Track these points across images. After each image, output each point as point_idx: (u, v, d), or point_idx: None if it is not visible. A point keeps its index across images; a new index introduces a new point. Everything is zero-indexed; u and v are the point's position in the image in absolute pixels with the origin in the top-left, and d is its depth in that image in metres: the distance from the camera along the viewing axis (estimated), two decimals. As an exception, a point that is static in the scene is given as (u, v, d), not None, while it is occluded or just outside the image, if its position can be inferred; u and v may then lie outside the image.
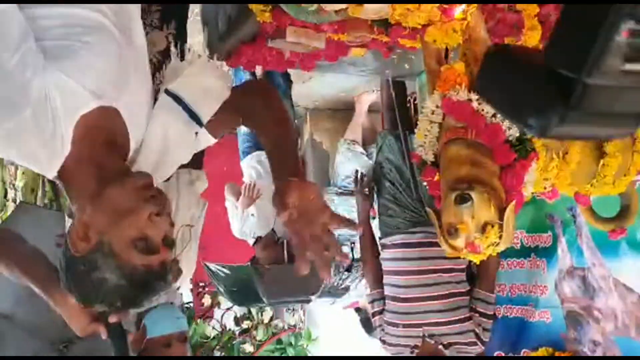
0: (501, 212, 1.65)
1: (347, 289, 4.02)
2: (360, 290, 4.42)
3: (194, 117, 1.35)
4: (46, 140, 1.17)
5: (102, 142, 1.23)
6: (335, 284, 3.85)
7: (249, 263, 3.59)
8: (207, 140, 1.44)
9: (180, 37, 1.69)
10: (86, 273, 1.18)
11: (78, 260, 1.18)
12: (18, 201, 3.55)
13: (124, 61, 1.26)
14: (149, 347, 2.27)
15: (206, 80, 1.36)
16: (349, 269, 3.84)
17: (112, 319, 1.44)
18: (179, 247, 2.28)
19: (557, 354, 2.74)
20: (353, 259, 3.85)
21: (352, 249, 3.97)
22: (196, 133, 1.38)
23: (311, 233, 1.23)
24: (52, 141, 1.18)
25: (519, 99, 1.11)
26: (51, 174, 1.24)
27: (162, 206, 1.22)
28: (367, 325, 4.20)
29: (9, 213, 3.51)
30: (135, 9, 1.37)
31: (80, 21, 1.21)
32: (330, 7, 1.74)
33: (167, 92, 1.33)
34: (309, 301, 3.96)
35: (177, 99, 1.33)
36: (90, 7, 1.22)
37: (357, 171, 3.14)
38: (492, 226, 1.64)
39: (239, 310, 5.00)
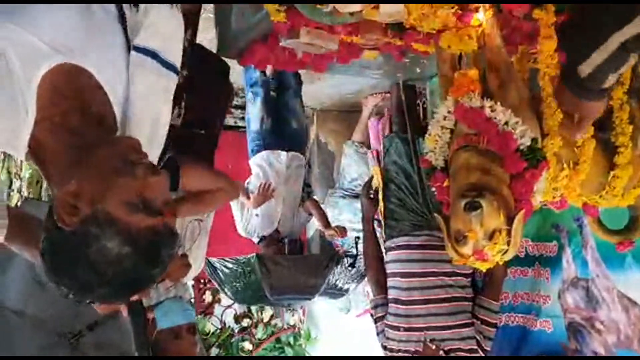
0: (510, 220, 1.65)
1: (346, 290, 4.02)
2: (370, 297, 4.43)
3: (170, 66, 1.24)
4: (7, 104, 1.04)
5: (73, 105, 1.11)
6: (337, 281, 3.85)
7: (254, 254, 3.59)
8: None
9: (193, 45, 1.68)
10: (81, 249, 1.03)
11: (68, 239, 1.03)
12: (23, 191, 3.56)
13: (89, 14, 1.16)
14: (159, 338, 2.28)
15: (167, 25, 1.24)
16: (352, 265, 3.84)
17: (133, 297, 1.39)
18: (188, 242, 2.30)
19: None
20: (357, 255, 3.85)
21: (356, 244, 3.98)
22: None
23: None
24: (15, 106, 1.05)
25: None
26: (22, 149, 1.09)
27: (154, 166, 1.11)
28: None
29: (14, 203, 3.51)
30: None
31: None
32: (345, 9, 1.73)
33: (136, 48, 1.20)
34: (310, 299, 3.96)
35: (148, 52, 1.20)
36: None
37: (371, 177, 3.14)
38: (500, 233, 1.63)
39: (239, 308, 5.01)
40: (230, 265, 3.69)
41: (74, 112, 1.11)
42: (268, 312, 5.11)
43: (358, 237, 3.95)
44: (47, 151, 1.09)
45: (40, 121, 1.07)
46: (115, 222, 1.03)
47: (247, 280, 3.71)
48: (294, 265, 3.77)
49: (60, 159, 1.08)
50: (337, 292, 4.02)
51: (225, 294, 4.16)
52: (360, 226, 4.05)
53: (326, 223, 4.10)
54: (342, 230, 4.00)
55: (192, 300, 4.46)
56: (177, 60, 1.25)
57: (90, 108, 1.13)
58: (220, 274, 3.74)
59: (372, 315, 4.36)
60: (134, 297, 1.33)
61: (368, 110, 4.66)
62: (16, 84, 1.04)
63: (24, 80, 1.05)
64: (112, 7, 1.21)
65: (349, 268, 3.83)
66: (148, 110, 1.24)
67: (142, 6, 1.18)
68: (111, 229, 1.02)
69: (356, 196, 4.26)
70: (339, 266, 3.76)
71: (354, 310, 4.49)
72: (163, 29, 1.22)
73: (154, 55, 1.20)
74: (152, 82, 1.22)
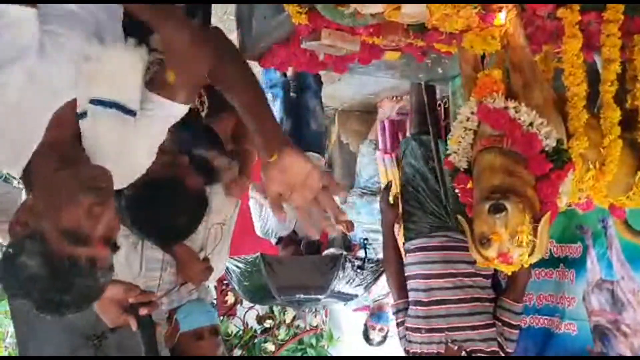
0: (535, 222, 1.63)
1: (355, 295, 4.01)
2: (373, 294, 4.42)
3: (126, 110, 1.27)
4: (19, 129, 1.15)
5: (69, 135, 1.22)
6: (346, 284, 3.84)
7: (259, 254, 3.60)
8: (175, 110, 1.32)
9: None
10: (12, 258, 1.13)
11: (10, 245, 1.15)
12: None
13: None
14: (182, 341, 2.29)
15: (120, 68, 1.26)
16: (361, 267, 3.82)
17: (142, 312, 1.46)
18: (210, 245, 2.31)
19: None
20: (365, 259, 3.83)
21: (364, 246, 3.96)
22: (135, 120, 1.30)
23: (306, 200, 1.22)
24: (25, 132, 1.16)
25: None
26: (19, 169, 1.21)
27: (106, 197, 1.16)
28: (366, 336, 4.22)
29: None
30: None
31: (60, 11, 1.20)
32: (366, 10, 1.73)
33: (92, 101, 1.25)
34: (318, 300, 3.96)
35: (103, 103, 1.25)
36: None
37: (389, 183, 3.13)
38: (526, 236, 1.61)
39: (262, 309, 5.02)
40: (240, 265, 3.70)
41: (66, 138, 1.20)
42: (290, 313, 5.11)
43: (366, 239, 3.94)
44: (34, 170, 1.19)
45: (38, 146, 1.18)
46: (44, 244, 1.11)
47: (254, 280, 3.72)
48: (298, 265, 3.78)
49: (39, 175, 1.17)
50: (346, 296, 4.01)
51: (239, 292, 4.18)
52: (377, 227, 4.06)
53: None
54: (349, 225, 4.03)
55: (214, 301, 4.49)
56: (133, 102, 1.27)
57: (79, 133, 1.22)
58: (232, 273, 3.75)
59: (370, 313, 4.38)
60: (144, 312, 1.38)
61: (384, 113, 4.65)
62: (31, 111, 1.15)
63: (40, 111, 1.16)
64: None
65: (358, 270, 3.81)
66: (110, 152, 1.27)
67: (93, 53, 1.22)
68: (38, 248, 1.11)
69: (373, 194, 4.25)
70: (345, 269, 3.74)
71: (352, 304, 4.48)
72: (116, 76, 1.25)
73: (110, 104, 1.24)
74: (111, 128, 1.25)
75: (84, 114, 1.23)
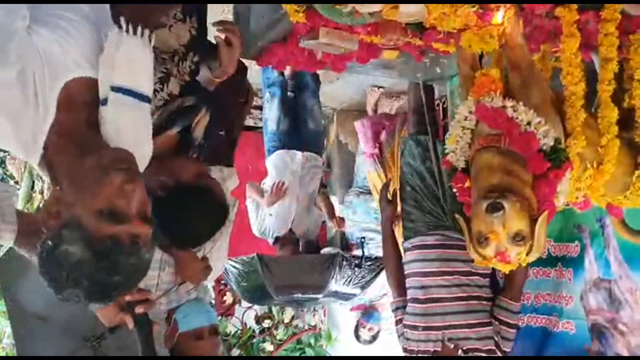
0: (533, 222, 1.63)
1: (353, 295, 4.01)
2: (370, 295, 4.42)
3: (144, 97, 1.32)
4: (30, 108, 1.16)
5: (81, 115, 1.23)
6: (344, 283, 3.84)
7: (255, 254, 3.60)
8: None
9: (201, 30, 1.71)
10: (52, 250, 1.13)
11: (47, 239, 1.14)
12: (45, 193, 3.60)
13: (99, 32, 1.29)
14: (181, 341, 2.28)
15: (136, 56, 1.31)
16: (359, 265, 3.82)
17: (139, 310, 1.47)
18: (208, 245, 2.31)
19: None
20: (363, 257, 3.84)
21: (362, 244, 3.97)
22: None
23: None
24: (36, 111, 1.17)
25: None
26: (38, 152, 1.21)
27: (134, 175, 1.18)
28: (356, 333, 4.23)
29: (36, 204, 3.56)
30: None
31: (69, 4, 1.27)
32: (364, 9, 1.73)
33: (113, 89, 1.29)
34: (316, 299, 3.96)
35: (123, 90, 1.29)
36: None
37: (388, 181, 3.14)
38: (524, 237, 1.61)
39: (260, 309, 5.02)
40: (237, 266, 3.70)
41: (82, 123, 1.22)
42: (289, 312, 5.11)
43: (363, 238, 3.95)
44: (54, 156, 1.20)
45: (54, 127, 1.19)
46: (82, 228, 1.12)
47: (251, 280, 3.72)
48: (294, 265, 3.78)
49: (61, 165, 1.19)
50: (344, 296, 4.02)
51: (237, 293, 4.19)
52: (373, 225, 4.06)
53: (331, 213, 4.18)
54: (340, 222, 4.08)
55: (213, 301, 4.49)
56: (149, 90, 1.33)
57: (95, 119, 1.25)
58: (230, 274, 3.76)
59: (362, 311, 4.38)
60: (140, 310, 1.40)
61: (370, 108, 4.66)
62: (40, 90, 1.16)
63: (48, 88, 1.17)
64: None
65: (355, 269, 3.81)
66: (130, 139, 1.30)
67: (113, 40, 1.27)
68: (77, 234, 1.12)
69: (370, 193, 4.26)
70: (342, 268, 3.74)
71: (349, 303, 4.49)
72: (134, 63, 1.30)
73: (129, 92, 1.28)
74: (133, 117, 1.31)
75: (104, 101, 1.26)
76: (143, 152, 1.34)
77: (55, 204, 1.15)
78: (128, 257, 1.15)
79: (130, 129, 1.29)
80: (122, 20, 1.29)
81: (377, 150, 3.89)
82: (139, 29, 1.30)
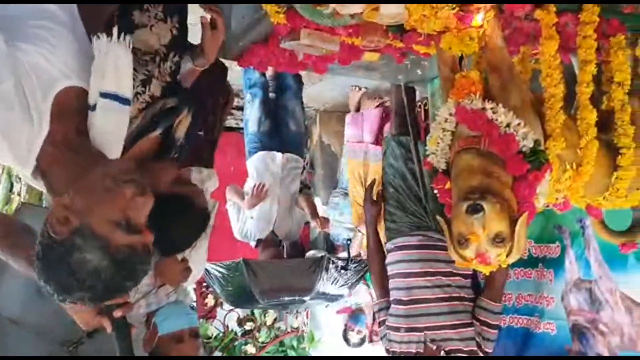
0: (513, 223, 1.63)
1: (340, 295, 4.01)
2: (357, 297, 4.42)
3: (126, 100, 1.37)
4: (23, 121, 1.19)
5: (73, 124, 1.27)
6: (331, 284, 3.84)
7: (241, 259, 3.58)
8: None
9: (182, 30, 1.69)
10: (65, 256, 1.17)
11: (57, 245, 1.17)
12: (24, 195, 3.56)
13: (83, 49, 1.33)
14: (161, 344, 2.26)
15: (120, 62, 1.35)
16: (345, 267, 3.82)
17: (117, 313, 1.45)
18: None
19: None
20: (349, 259, 3.84)
21: (348, 246, 3.97)
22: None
23: None
24: (29, 123, 1.20)
25: None
26: (31, 163, 1.25)
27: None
28: (345, 337, 4.23)
29: (14, 206, 3.51)
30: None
31: (42, 13, 1.30)
32: (345, 11, 1.72)
33: (101, 95, 1.33)
34: (303, 302, 3.95)
35: (111, 95, 1.33)
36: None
37: (372, 181, 3.14)
38: (504, 238, 1.61)
39: (242, 312, 4.99)
40: (222, 270, 3.68)
41: (73, 131, 1.26)
42: (271, 315, 5.09)
43: (349, 240, 3.94)
44: (50, 165, 1.24)
45: (50, 136, 1.23)
46: (98, 237, 1.17)
47: (237, 285, 3.70)
48: (281, 269, 3.77)
49: (59, 173, 1.23)
50: (331, 297, 4.01)
51: (221, 297, 4.16)
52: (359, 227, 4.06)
53: (314, 213, 4.17)
54: (324, 221, 4.08)
55: (194, 304, 4.46)
56: (131, 92, 1.39)
57: (84, 126, 1.29)
58: (214, 278, 3.73)
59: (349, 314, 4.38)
60: (118, 314, 1.40)
61: (352, 107, 4.67)
62: (32, 103, 1.21)
63: (41, 101, 1.22)
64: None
65: (342, 271, 3.81)
66: (112, 142, 1.37)
67: (101, 48, 1.32)
68: (94, 242, 1.17)
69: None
70: (329, 270, 3.74)
71: (335, 305, 4.49)
72: (118, 68, 1.34)
73: (115, 97, 1.33)
74: (121, 120, 1.37)
75: (93, 107, 1.31)
76: (117, 154, 1.37)
77: (62, 210, 1.18)
78: (141, 264, 1.24)
79: (114, 133, 1.34)
80: (113, 29, 1.33)
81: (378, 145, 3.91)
82: (122, 34, 1.33)
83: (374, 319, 4.16)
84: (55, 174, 1.25)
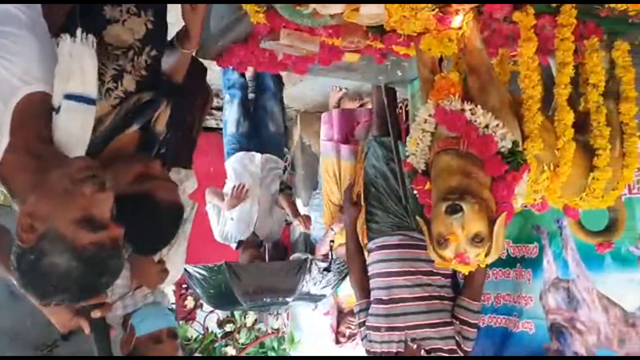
0: (491, 223, 1.64)
1: (323, 295, 4.01)
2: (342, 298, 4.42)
3: (90, 100, 1.35)
4: None
5: (34, 130, 1.26)
6: (314, 286, 3.84)
7: (223, 262, 3.56)
8: None
9: (159, 24, 1.67)
10: (35, 263, 1.18)
11: (27, 253, 1.18)
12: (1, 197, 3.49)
13: (46, 50, 1.32)
14: (139, 345, 2.22)
15: (85, 62, 1.34)
16: (327, 269, 3.83)
17: (95, 314, 1.43)
18: (165, 248, 2.26)
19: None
20: (331, 260, 3.84)
21: (330, 247, 3.97)
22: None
23: None
24: None
25: None
26: None
27: (103, 183, 1.22)
28: (336, 338, 4.21)
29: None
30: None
31: (4, 18, 1.28)
32: (325, 11, 1.72)
33: (65, 96, 1.31)
34: (286, 303, 3.94)
35: (75, 97, 1.32)
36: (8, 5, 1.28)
37: (352, 183, 3.15)
38: (483, 238, 1.62)
39: (222, 313, 4.96)
40: (203, 272, 3.65)
41: (35, 137, 1.26)
42: (251, 316, 5.07)
43: (332, 241, 3.94)
44: (14, 172, 1.24)
45: (8, 146, 1.22)
46: (63, 239, 1.17)
47: (219, 287, 3.67)
48: (263, 272, 3.75)
49: (21, 179, 1.23)
50: (314, 297, 4.01)
51: (202, 299, 4.13)
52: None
53: (295, 212, 4.16)
54: (306, 220, 4.09)
55: (174, 306, 4.42)
56: (95, 91, 1.37)
57: (48, 131, 1.29)
58: (195, 280, 3.70)
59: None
60: (97, 314, 1.38)
61: (332, 107, 4.67)
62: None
63: (1, 111, 1.22)
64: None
65: (324, 272, 3.81)
66: (74, 142, 1.35)
67: (66, 50, 1.30)
68: (60, 245, 1.17)
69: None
70: (312, 272, 3.73)
71: (321, 307, 4.49)
72: (80, 68, 1.33)
73: (80, 97, 1.32)
74: (86, 121, 1.35)
75: (57, 109, 1.29)
76: (81, 153, 1.36)
77: (27, 218, 1.18)
78: (112, 259, 1.24)
79: (79, 134, 1.33)
80: (77, 30, 1.31)
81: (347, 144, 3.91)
82: (84, 34, 1.32)
83: (338, 322, 4.18)
84: (17, 180, 1.24)
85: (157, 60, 1.68)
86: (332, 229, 3.96)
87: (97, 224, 1.19)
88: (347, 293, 4.08)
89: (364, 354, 2.87)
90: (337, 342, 4.23)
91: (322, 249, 4.11)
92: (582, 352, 2.63)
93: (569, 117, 1.88)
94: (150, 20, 1.63)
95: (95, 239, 1.19)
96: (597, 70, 1.97)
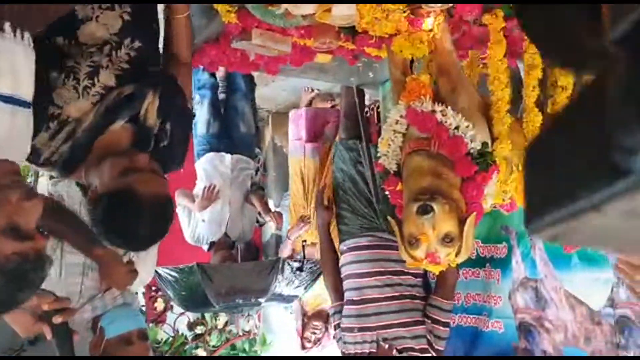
0: (461, 223, 1.66)
1: (295, 296, 4.00)
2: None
3: (23, 103, 1.27)
4: None
5: None
6: (286, 286, 3.83)
7: (195, 263, 3.53)
8: None
9: (139, 14, 1.61)
10: None
11: None
12: None
13: None
14: (109, 348, 2.18)
15: (18, 61, 1.26)
16: (300, 269, 3.82)
17: (57, 320, 1.39)
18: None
19: (509, 364, 2.78)
20: (304, 260, 3.84)
21: (303, 248, 3.97)
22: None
23: None
24: None
25: None
26: None
27: (30, 190, 1.17)
28: (302, 344, 4.23)
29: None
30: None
31: None
32: (297, 12, 1.72)
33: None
34: (259, 304, 3.92)
35: (4, 98, 1.23)
36: None
37: (323, 186, 3.14)
38: (453, 238, 1.64)
39: (193, 315, 4.91)
40: (174, 274, 3.61)
41: None
42: (222, 318, 5.02)
43: (305, 241, 3.94)
44: None
45: None
46: None
47: (191, 289, 3.64)
48: (236, 272, 3.73)
49: None
50: (287, 298, 4.00)
51: (174, 302, 4.08)
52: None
53: (266, 209, 4.14)
54: (277, 216, 4.07)
55: (143, 308, 4.36)
56: (30, 94, 1.28)
57: None
58: (167, 282, 3.65)
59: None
60: (58, 320, 1.33)
61: (303, 107, 4.67)
62: None
63: None
64: None
65: (297, 272, 3.80)
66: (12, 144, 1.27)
67: None
68: None
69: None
70: (284, 272, 3.72)
71: (290, 306, 4.47)
72: (16, 71, 1.25)
73: (9, 99, 1.23)
74: (15, 123, 1.25)
75: None
76: (21, 158, 1.30)
77: None
78: (35, 272, 1.17)
79: (8, 137, 1.23)
80: (4, 24, 1.22)
81: (315, 143, 3.89)
82: (19, 31, 1.24)
83: (303, 327, 4.16)
84: None
85: (142, 51, 1.60)
86: (289, 238, 3.94)
87: (21, 233, 1.13)
88: (311, 295, 4.08)
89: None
90: (303, 347, 4.21)
91: (285, 251, 4.09)
92: (550, 350, 2.66)
93: (538, 119, 1.91)
94: (126, 12, 1.57)
95: (19, 248, 1.12)
96: (566, 72, 2.00)
